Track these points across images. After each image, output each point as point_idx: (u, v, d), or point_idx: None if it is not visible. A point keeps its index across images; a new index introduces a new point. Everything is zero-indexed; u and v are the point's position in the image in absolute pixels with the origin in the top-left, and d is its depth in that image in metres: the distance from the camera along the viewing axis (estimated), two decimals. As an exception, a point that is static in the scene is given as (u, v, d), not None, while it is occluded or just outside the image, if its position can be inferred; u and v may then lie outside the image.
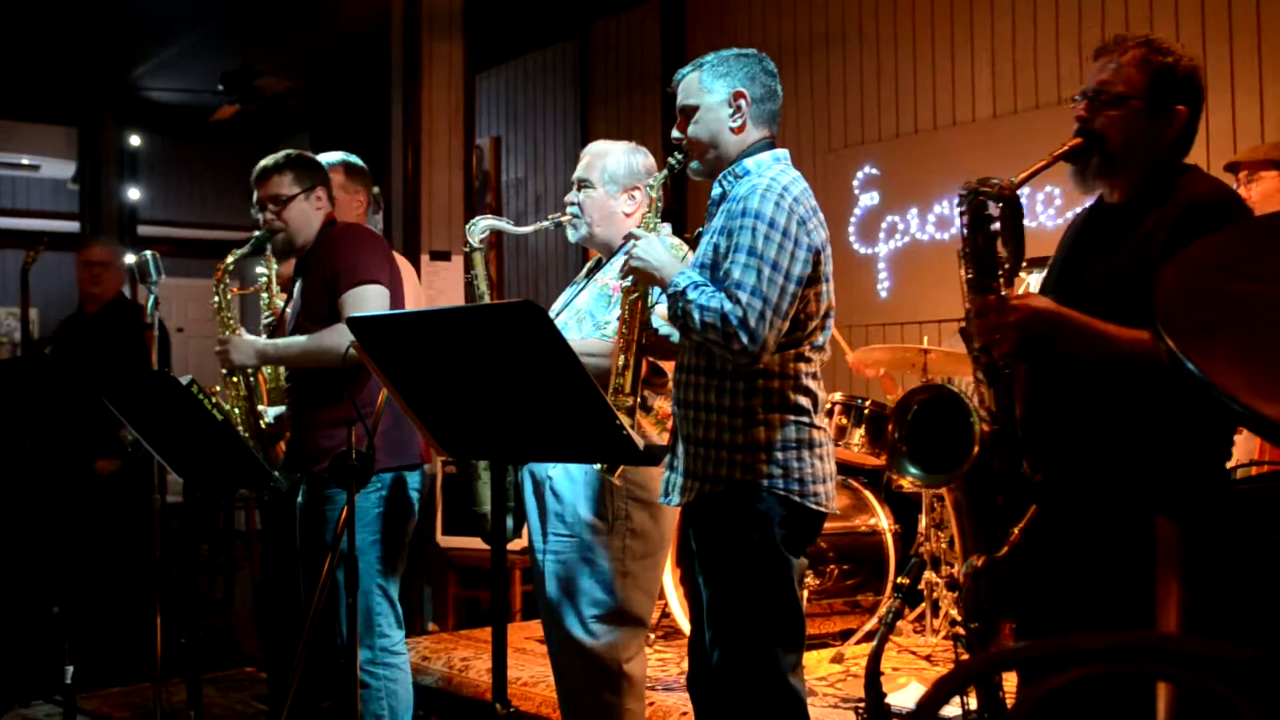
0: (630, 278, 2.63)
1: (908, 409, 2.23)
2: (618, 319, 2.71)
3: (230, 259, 3.58)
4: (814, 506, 2.52)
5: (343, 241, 3.39)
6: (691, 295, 2.45)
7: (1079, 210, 2.49)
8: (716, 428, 2.52)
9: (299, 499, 3.46)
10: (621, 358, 2.63)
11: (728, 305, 2.40)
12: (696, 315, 2.43)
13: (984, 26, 5.56)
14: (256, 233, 3.51)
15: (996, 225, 2.20)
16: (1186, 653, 1.00)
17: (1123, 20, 5.06)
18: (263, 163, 3.50)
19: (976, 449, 2.10)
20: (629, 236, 2.63)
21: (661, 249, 2.58)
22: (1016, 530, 2.03)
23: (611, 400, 2.58)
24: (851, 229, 6.03)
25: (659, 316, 2.72)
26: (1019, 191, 2.22)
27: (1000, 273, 2.20)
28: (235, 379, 3.53)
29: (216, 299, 3.57)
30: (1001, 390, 2.21)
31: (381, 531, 3.30)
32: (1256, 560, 1.25)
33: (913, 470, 2.22)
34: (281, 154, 3.52)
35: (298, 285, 3.49)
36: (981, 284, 2.21)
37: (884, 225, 5.95)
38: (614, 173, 3.07)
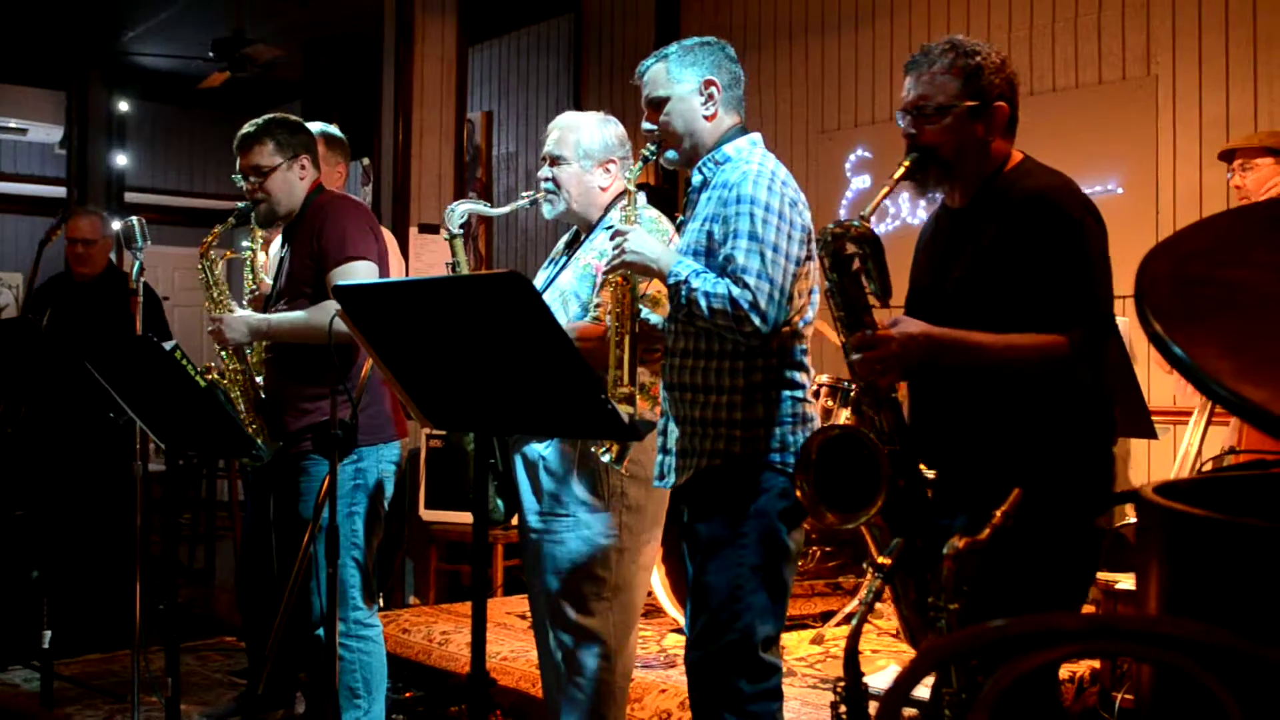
0: (617, 272, 2.64)
1: (809, 456, 2.25)
2: (610, 313, 2.71)
3: (213, 234, 3.49)
4: None
5: (329, 216, 3.35)
6: (695, 283, 2.49)
7: (927, 217, 2.60)
8: (714, 407, 2.57)
9: (273, 469, 3.45)
10: (616, 350, 2.65)
11: (735, 290, 2.45)
12: (703, 302, 2.47)
13: (979, 10, 5.54)
14: (239, 204, 3.47)
15: (857, 264, 2.27)
16: (1166, 634, 1.00)
17: (1119, 6, 5.04)
18: (243, 130, 3.43)
19: (884, 483, 2.17)
20: (616, 233, 2.62)
21: (652, 240, 2.62)
22: (999, 513, 2.02)
23: (611, 390, 2.62)
24: (843, 212, 6.01)
25: (644, 305, 2.77)
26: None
27: (869, 306, 2.29)
28: (230, 354, 3.47)
29: (203, 275, 3.50)
30: (892, 413, 2.30)
31: (356, 505, 3.30)
32: (1235, 546, 1.25)
33: (830, 514, 2.24)
34: (262, 120, 3.43)
35: (284, 256, 3.46)
36: (853, 321, 2.29)
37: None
38: (589, 147, 3.05)
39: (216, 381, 3.65)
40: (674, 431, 2.66)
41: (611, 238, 2.63)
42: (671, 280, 2.53)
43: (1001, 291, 2.22)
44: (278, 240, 4.37)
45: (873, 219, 2.30)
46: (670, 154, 2.72)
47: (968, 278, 2.29)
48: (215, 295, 3.48)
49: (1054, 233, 2.20)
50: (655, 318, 2.78)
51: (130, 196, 9.51)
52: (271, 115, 3.48)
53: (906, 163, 2.33)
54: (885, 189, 2.33)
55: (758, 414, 2.56)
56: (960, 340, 2.22)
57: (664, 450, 2.69)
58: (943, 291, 2.34)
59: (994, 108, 2.31)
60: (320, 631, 3.32)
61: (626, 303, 2.67)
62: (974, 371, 2.24)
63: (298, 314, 3.32)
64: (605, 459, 2.70)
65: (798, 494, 2.24)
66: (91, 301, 5.24)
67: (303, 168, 3.43)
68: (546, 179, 3.07)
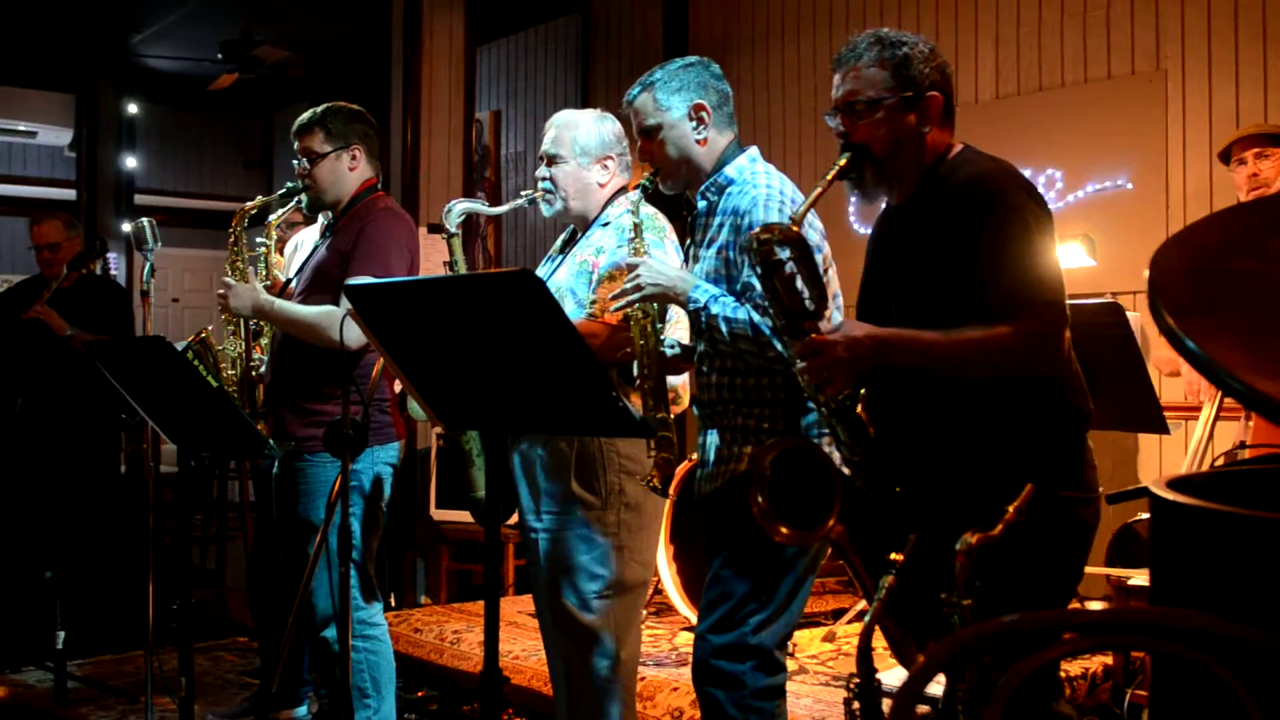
0: (637, 306, 2.63)
1: (762, 470, 2.13)
2: (634, 347, 2.70)
3: (257, 202, 3.55)
4: None
5: (373, 225, 3.35)
6: (715, 310, 2.50)
7: (879, 215, 2.50)
8: (756, 417, 2.59)
9: (274, 470, 3.45)
10: (645, 383, 2.66)
11: (756, 316, 2.46)
12: (724, 328, 2.48)
13: (988, 6, 5.52)
14: (290, 182, 3.51)
15: (791, 268, 2.17)
16: (1183, 628, 1.00)
17: (1128, 1, 5.02)
18: (302, 116, 3.48)
19: (838, 493, 2.09)
20: (629, 267, 2.62)
21: (666, 267, 2.64)
22: (1012, 508, 2.01)
23: (650, 422, 2.63)
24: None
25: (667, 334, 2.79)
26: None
27: (810, 312, 2.18)
28: (236, 322, 3.50)
29: (232, 236, 3.53)
30: (851, 421, 2.21)
31: (352, 506, 3.30)
32: (1248, 540, 1.24)
33: (784, 529, 2.12)
34: (321, 108, 3.47)
35: (323, 245, 3.48)
36: (795, 329, 2.18)
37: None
38: (585, 144, 3.05)
39: (206, 340, 3.67)
40: (712, 442, 2.66)
41: (627, 269, 2.62)
42: (691, 307, 2.55)
43: (946, 283, 2.16)
44: (295, 237, 4.39)
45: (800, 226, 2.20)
46: (669, 182, 2.73)
47: (911, 272, 2.23)
48: (237, 263, 3.50)
49: (991, 219, 2.12)
50: (671, 340, 2.79)
51: (140, 199, 9.55)
52: (330, 104, 3.50)
53: (841, 162, 2.26)
54: (818, 190, 2.22)
55: (799, 424, 2.56)
56: (907, 340, 2.15)
57: (702, 464, 2.70)
58: (890, 289, 2.29)
59: (927, 98, 2.26)
60: (326, 633, 3.32)
61: (649, 335, 2.67)
62: (927, 372, 2.16)
63: (305, 308, 3.31)
64: (649, 487, 2.72)
65: (753, 509, 2.13)
66: (64, 308, 5.07)
67: (353, 158, 3.45)
68: (544, 178, 3.08)
